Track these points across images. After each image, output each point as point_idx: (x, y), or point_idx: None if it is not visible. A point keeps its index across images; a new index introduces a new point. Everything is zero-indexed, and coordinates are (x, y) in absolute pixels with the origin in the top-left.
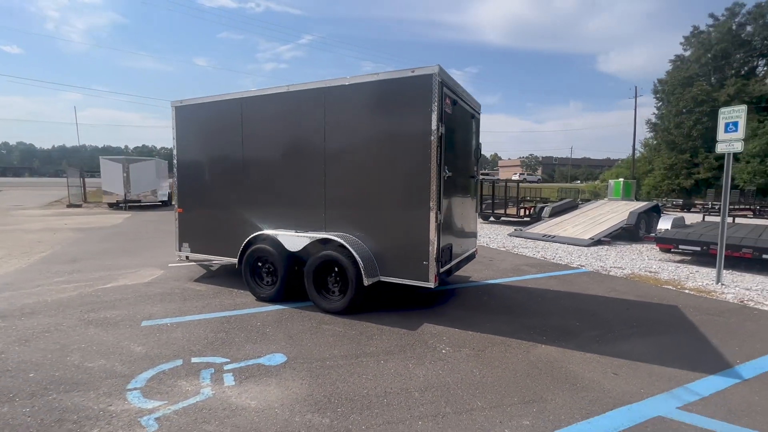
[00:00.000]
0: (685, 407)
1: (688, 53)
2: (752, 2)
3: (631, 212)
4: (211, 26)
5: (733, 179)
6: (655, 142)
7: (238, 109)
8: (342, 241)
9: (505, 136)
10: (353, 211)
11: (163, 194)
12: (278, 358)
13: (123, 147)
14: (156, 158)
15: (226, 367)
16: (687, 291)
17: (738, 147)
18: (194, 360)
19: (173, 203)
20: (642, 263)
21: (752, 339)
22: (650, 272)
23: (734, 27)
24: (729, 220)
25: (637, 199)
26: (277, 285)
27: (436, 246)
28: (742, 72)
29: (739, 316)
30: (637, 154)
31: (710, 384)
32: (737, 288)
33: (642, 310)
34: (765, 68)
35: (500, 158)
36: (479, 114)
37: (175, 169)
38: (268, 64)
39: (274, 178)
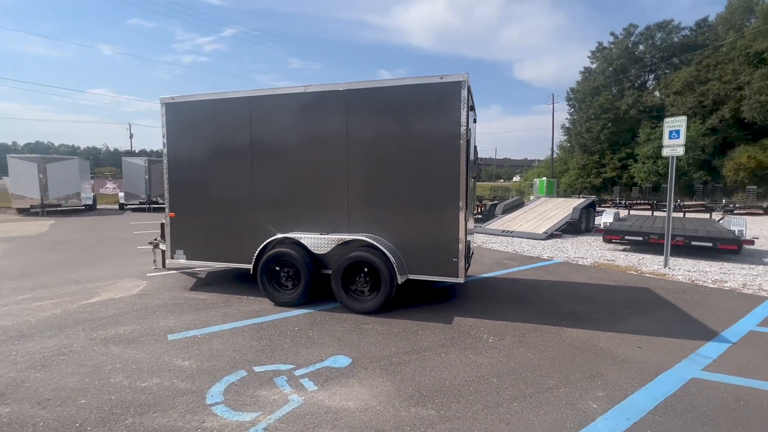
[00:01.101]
0: (707, 369)
1: (594, 66)
2: (644, 24)
3: (574, 208)
4: (118, 10)
5: (632, 177)
6: (568, 145)
7: (246, 108)
8: (374, 242)
9: None
10: (378, 211)
11: (87, 198)
12: (343, 360)
13: (11, 144)
14: (78, 158)
15: (296, 373)
16: (647, 275)
17: (680, 151)
18: (258, 369)
19: (125, 207)
20: (597, 253)
21: (718, 310)
22: (608, 260)
23: (630, 45)
24: (648, 213)
25: (558, 196)
26: (300, 289)
27: (464, 243)
28: (636, 84)
29: (696, 293)
30: (555, 155)
31: (713, 348)
32: (681, 270)
33: (625, 293)
34: (654, 82)
35: None
36: (477, 118)
37: (165, 171)
38: (187, 56)
39: (289, 180)
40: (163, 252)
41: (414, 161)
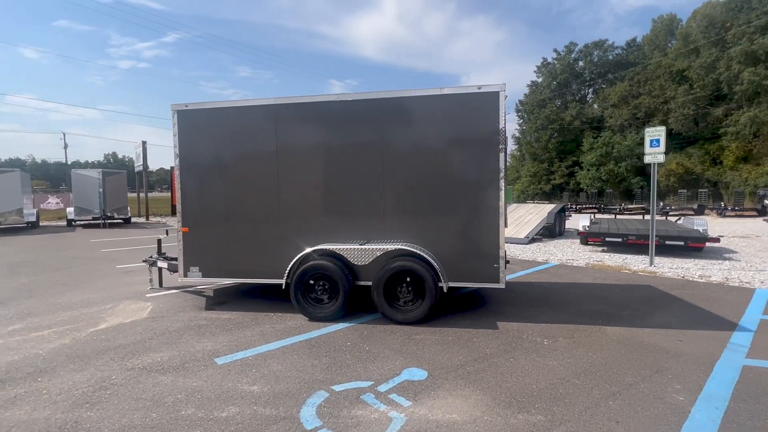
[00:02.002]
0: (750, 356)
1: (540, 80)
2: (583, 42)
3: (549, 213)
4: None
5: (579, 183)
6: (519, 153)
7: (271, 116)
8: (418, 251)
9: None
10: (415, 220)
11: (30, 214)
12: (418, 372)
13: None
14: (19, 170)
15: (380, 390)
16: (640, 273)
17: (661, 158)
18: (337, 388)
19: (75, 223)
20: (583, 254)
21: (722, 303)
22: (598, 261)
23: (571, 61)
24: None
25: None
26: (338, 302)
27: (504, 249)
28: (578, 98)
29: (693, 288)
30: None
31: (741, 337)
32: (665, 267)
33: (634, 291)
34: (593, 96)
35: None
36: None
37: (178, 183)
38: (125, 62)
39: (320, 190)
40: (161, 270)
41: (452, 168)
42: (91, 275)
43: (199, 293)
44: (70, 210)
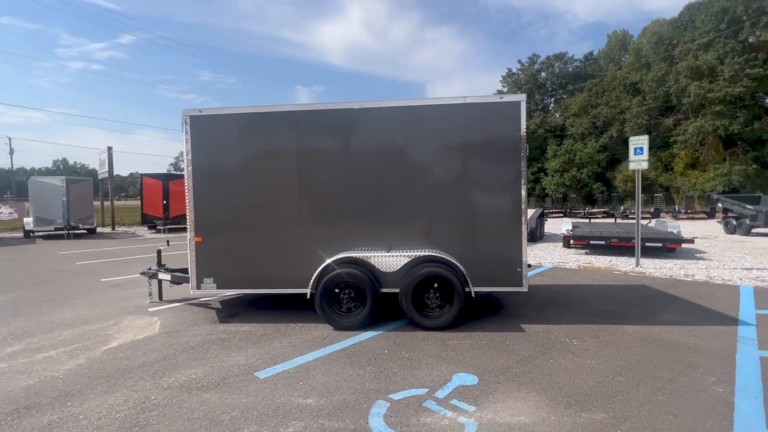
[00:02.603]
0: (761, 348)
1: (506, 89)
2: (544, 54)
3: (531, 217)
4: None
5: (544, 189)
6: None
7: (292, 123)
8: (446, 257)
9: None
10: (439, 226)
11: None
12: (469, 378)
13: None
14: None
15: (438, 396)
16: (631, 274)
17: (644, 165)
18: (396, 397)
19: (34, 234)
20: (570, 257)
21: (715, 299)
22: (587, 263)
23: (534, 72)
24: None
25: None
26: (365, 310)
27: (526, 254)
28: (541, 107)
29: (684, 286)
30: None
31: (746, 331)
32: (652, 268)
33: (635, 291)
34: (555, 105)
35: None
36: None
37: (189, 191)
38: (76, 63)
39: (343, 198)
40: (161, 283)
41: (475, 174)
42: (77, 290)
43: (205, 306)
44: (28, 220)
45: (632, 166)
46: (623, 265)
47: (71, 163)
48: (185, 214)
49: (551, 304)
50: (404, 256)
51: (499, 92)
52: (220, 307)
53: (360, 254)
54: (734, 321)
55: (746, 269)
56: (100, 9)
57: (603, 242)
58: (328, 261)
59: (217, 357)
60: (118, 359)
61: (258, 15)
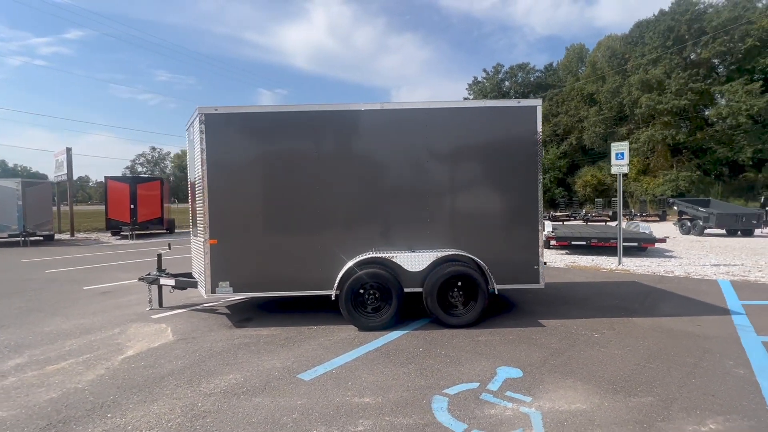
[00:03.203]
0: (760, 334)
1: (471, 97)
2: (508, 64)
3: None
4: None
5: None
6: None
7: (311, 123)
8: (472, 256)
9: None
10: (460, 225)
11: None
12: (513, 371)
13: None
14: None
15: (491, 389)
16: (617, 271)
17: (625, 169)
18: (451, 392)
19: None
20: (554, 257)
21: (701, 292)
22: (573, 263)
23: (499, 81)
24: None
25: None
26: (391, 310)
27: (543, 252)
28: None
29: (669, 282)
30: None
31: (740, 320)
32: (633, 266)
33: (628, 287)
34: None
35: None
36: None
37: (205, 191)
38: (16, 58)
39: (366, 198)
40: (161, 288)
41: (495, 175)
42: (63, 299)
43: (212, 311)
44: None
45: (614, 170)
46: (606, 263)
47: (11, 165)
48: (155, 219)
49: (557, 301)
50: (430, 255)
51: (465, 100)
52: (229, 312)
53: (386, 254)
54: (726, 311)
55: (714, 265)
56: (44, 2)
57: (584, 242)
58: (354, 261)
59: (249, 361)
60: (142, 368)
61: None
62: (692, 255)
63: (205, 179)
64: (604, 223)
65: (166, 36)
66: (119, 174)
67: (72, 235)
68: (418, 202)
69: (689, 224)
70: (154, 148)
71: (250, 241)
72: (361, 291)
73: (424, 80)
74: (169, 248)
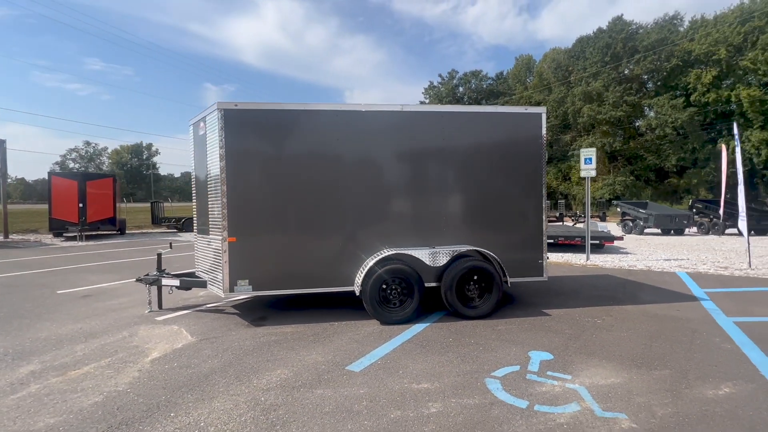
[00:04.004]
0: (729, 316)
1: (427, 101)
2: (459, 70)
3: None
4: None
5: None
6: None
7: (334, 122)
8: (487, 251)
9: None
10: (474, 223)
11: None
12: (545, 354)
13: None
14: None
15: (533, 369)
16: (589, 266)
17: (593, 173)
18: (497, 374)
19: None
20: None
21: (667, 283)
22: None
23: (454, 87)
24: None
25: None
26: (413, 304)
27: (546, 247)
28: None
29: (637, 274)
30: None
31: (709, 305)
32: (600, 261)
33: (606, 280)
34: None
35: None
36: None
37: (223, 188)
38: None
39: (387, 196)
40: (160, 289)
41: (505, 175)
42: (38, 304)
43: (219, 311)
44: None
45: (583, 173)
46: (575, 259)
47: None
48: (106, 219)
49: (550, 293)
50: (451, 251)
51: (421, 104)
52: (239, 312)
53: (409, 251)
54: (694, 298)
55: (666, 260)
56: None
57: (552, 241)
58: (378, 258)
59: (288, 357)
60: (177, 368)
61: (160, 3)
62: (643, 251)
63: (225, 176)
64: (561, 223)
65: (100, 21)
66: (57, 170)
67: (6, 236)
68: (434, 200)
69: (631, 224)
70: (88, 143)
71: (270, 239)
72: (384, 287)
73: (378, 82)
74: (171, 247)
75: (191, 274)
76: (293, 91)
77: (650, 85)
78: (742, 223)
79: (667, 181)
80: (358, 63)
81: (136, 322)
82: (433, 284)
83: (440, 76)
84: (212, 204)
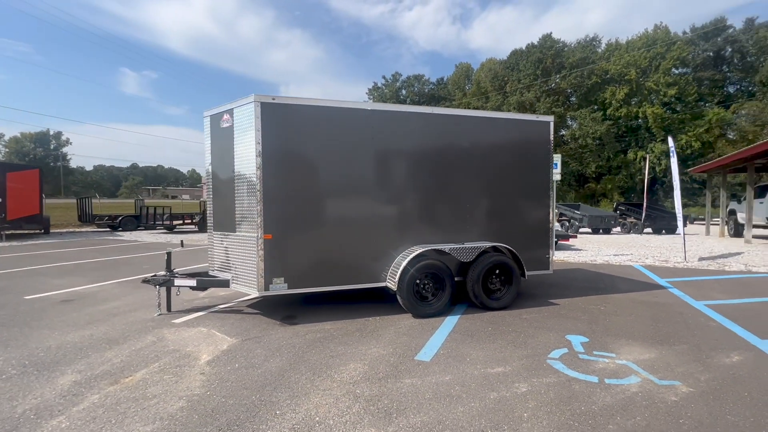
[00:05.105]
0: (697, 300)
1: (372, 101)
2: (406, 73)
3: None
4: None
5: None
6: None
7: (370, 121)
8: (508, 246)
9: (196, 153)
10: (493, 220)
11: None
12: (581, 338)
13: None
14: None
15: (580, 350)
16: (558, 261)
17: (558, 177)
18: (553, 356)
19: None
20: None
21: (630, 273)
22: None
23: (397, 89)
24: None
25: None
26: (445, 297)
27: (553, 242)
28: None
29: (603, 268)
30: None
31: (677, 292)
32: (563, 257)
33: (579, 273)
34: None
35: (200, 174)
36: None
37: (259, 184)
38: None
39: (419, 195)
40: (169, 291)
41: (519, 176)
42: (15, 311)
43: (239, 312)
44: None
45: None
46: None
47: None
48: (32, 216)
49: (542, 285)
50: (478, 246)
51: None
52: (260, 311)
53: (442, 246)
54: (662, 287)
55: (615, 255)
56: None
57: None
58: (413, 254)
59: (349, 352)
60: (243, 369)
61: None
62: (592, 248)
63: (261, 172)
64: None
65: None
66: None
67: None
68: (459, 199)
69: (567, 224)
70: None
71: (306, 236)
72: (417, 282)
73: (315, 79)
74: (182, 246)
75: (203, 273)
76: (225, 83)
77: (573, 98)
78: (680, 224)
79: (586, 186)
80: (295, 58)
81: (153, 326)
82: (458, 278)
83: (384, 78)
84: (240, 200)
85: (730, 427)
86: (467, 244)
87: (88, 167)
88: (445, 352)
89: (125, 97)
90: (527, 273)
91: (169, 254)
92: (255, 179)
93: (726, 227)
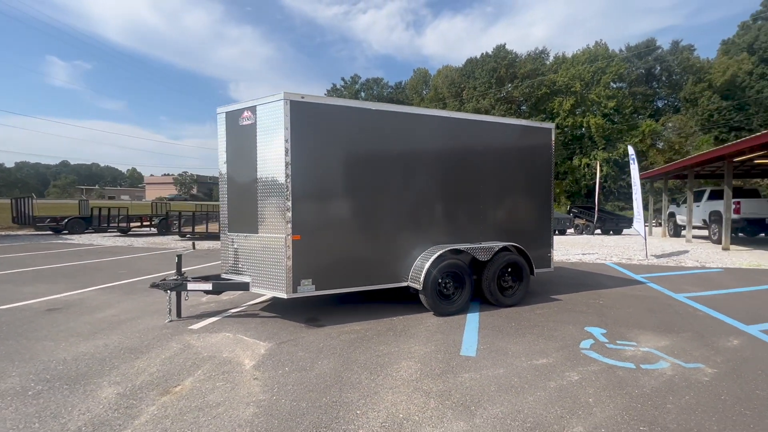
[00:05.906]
0: (679, 293)
1: None
2: (364, 76)
3: None
4: None
5: None
6: None
7: (394, 122)
8: (520, 246)
9: (137, 150)
10: (503, 221)
11: None
12: (599, 330)
13: None
14: None
15: (604, 341)
16: None
17: None
18: (583, 346)
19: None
20: None
21: (611, 271)
22: None
23: (356, 91)
24: None
25: None
26: (465, 295)
27: (553, 242)
28: None
29: (584, 266)
30: None
31: (657, 286)
32: None
33: (563, 271)
34: None
35: (141, 174)
36: None
37: (288, 184)
38: None
39: (440, 197)
40: (179, 296)
41: (525, 179)
42: (1, 323)
43: (254, 316)
44: None
45: None
46: None
47: None
48: None
49: (538, 283)
50: (493, 246)
51: None
52: (278, 314)
53: (463, 246)
54: (640, 282)
55: (583, 254)
56: None
57: None
58: (436, 254)
59: (393, 351)
60: (295, 372)
61: None
62: (564, 249)
63: (290, 171)
64: None
65: None
66: None
67: None
68: (475, 200)
69: None
70: None
71: (334, 237)
72: (440, 281)
73: (267, 77)
74: (194, 248)
75: (215, 277)
76: (170, 78)
77: (524, 107)
78: (639, 225)
79: None
80: (245, 55)
81: (171, 333)
82: (473, 277)
83: (343, 79)
84: (264, 200)
85: (765, 400)
86: (484, 244)
87: (9, 164)
88: (486, 347)
89: (52, 89)
90: (537, 271)
91: (179, 257)
92: (282, 179)
93: (666, 228)
